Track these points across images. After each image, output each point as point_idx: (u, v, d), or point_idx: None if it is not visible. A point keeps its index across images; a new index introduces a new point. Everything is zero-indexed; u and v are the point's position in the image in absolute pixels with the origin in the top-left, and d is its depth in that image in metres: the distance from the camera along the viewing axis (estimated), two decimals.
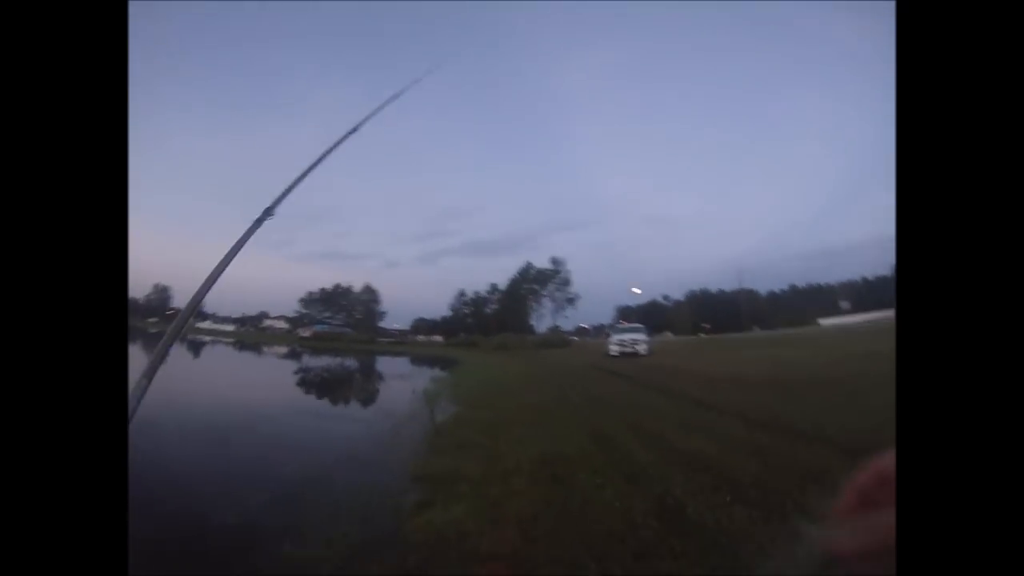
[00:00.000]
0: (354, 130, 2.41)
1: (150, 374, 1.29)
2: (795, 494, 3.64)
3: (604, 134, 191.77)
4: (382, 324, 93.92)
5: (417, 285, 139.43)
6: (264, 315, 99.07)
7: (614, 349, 25.61)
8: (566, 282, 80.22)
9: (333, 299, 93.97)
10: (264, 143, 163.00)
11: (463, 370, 23.46)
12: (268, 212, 1.88)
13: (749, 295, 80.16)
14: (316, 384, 20.08)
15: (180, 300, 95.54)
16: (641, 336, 26.38)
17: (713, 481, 4.24)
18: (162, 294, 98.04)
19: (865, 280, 79.78)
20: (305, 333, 72.06)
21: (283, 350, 45.34)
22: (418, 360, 35.81)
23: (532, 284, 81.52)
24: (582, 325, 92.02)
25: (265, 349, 45.15)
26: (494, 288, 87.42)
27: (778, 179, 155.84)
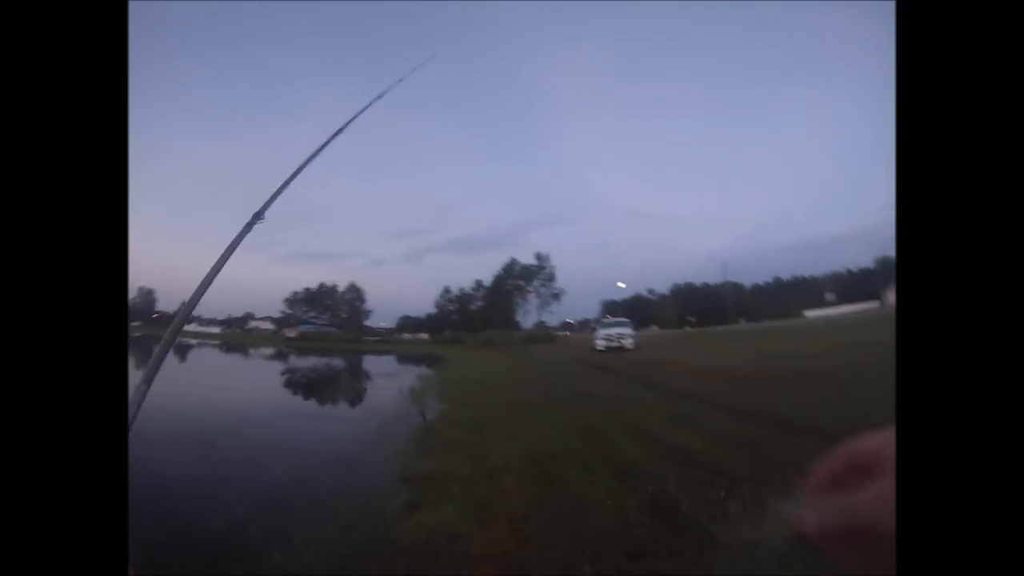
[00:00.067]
0: (340, 131, 2.40)
1: (149, 379, 1.29)
2: (787, 486, 3.64)
3: (587, 130, 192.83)
4: (368, 323, 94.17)
5: (402, 283, 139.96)
6: (250, 316, 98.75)
7: (600, 344, 25.77)
8: (551, 278, 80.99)
9: (318, 299, 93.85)
10: (251, 145, 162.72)
11: (449, 367, 23.40)
12: (258, 216, 1.86)
13: (734, 288, 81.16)
14: (303, 385, 19.91)
15: (164, 303, 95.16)
16: (627, 330, 26.52)
17: (705, 476, 4.22)
18: (146, 297, 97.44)
19: (849, 272, 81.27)
20: (291, 334, 71.71)
21: (270, 351, 44.86)
22: (404, 358, 35.72)
23: (517, 280, 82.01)
24: (567, 320, 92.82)
25: (252, 351, 44.60)
26: (479, 285, 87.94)
27: (761, 173, 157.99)
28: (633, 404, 8.47)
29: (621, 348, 24.78)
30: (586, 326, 78.60)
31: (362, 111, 2.58)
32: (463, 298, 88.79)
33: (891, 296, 52.61)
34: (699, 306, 79.01)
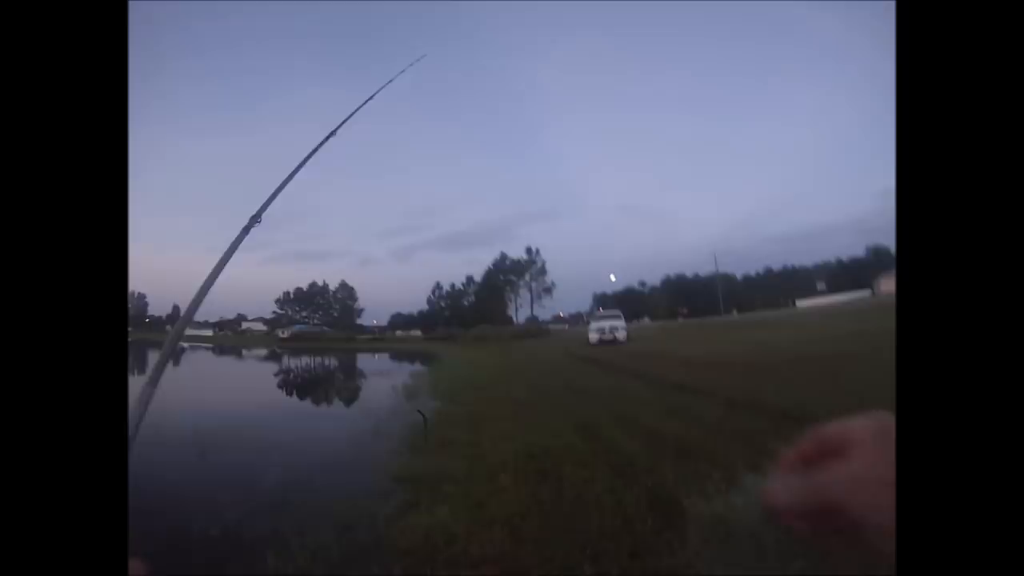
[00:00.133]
0: (332, 134, 2.41)
1: (155, 380, 1.31)
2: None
3: (576, 124, 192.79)
4: (360, 321, 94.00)
5: (393, 281, 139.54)
6: (242, 318, 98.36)
7: (593, 337, 25.84)
8: (542, 272, 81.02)
9: (310, 299, 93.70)
10: (242, 148, 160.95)
11: (443, 364, 23.37)
12: (255, 219, 1.86)
13: (726, 279, 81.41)
14: (297, 385, 19.90)
15: (156, 308, 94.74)
16: (620, 323, 26.64)
17: (703, 468, 4.20)
18: (138, 302, 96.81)
19: (840, 261, 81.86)
20: (284, 334, 71.25)
21: (263, 352, 44.74)
22: (398, 356, 35.71)
23: (508, 275, 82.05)
24: (560, 314, 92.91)
25: (245, 352, 44.48)
26: (470, 280, 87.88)
27: (751, 164, 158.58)
28: (628, 397, 8.48)
29: (614, 341, 24.86)
30: (579, 319, 78.75)
31: (352, 114, 2.57)
32: (454, 294, 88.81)
33: (883, 284, 53.09)
34: (691, 297, 79.35)
